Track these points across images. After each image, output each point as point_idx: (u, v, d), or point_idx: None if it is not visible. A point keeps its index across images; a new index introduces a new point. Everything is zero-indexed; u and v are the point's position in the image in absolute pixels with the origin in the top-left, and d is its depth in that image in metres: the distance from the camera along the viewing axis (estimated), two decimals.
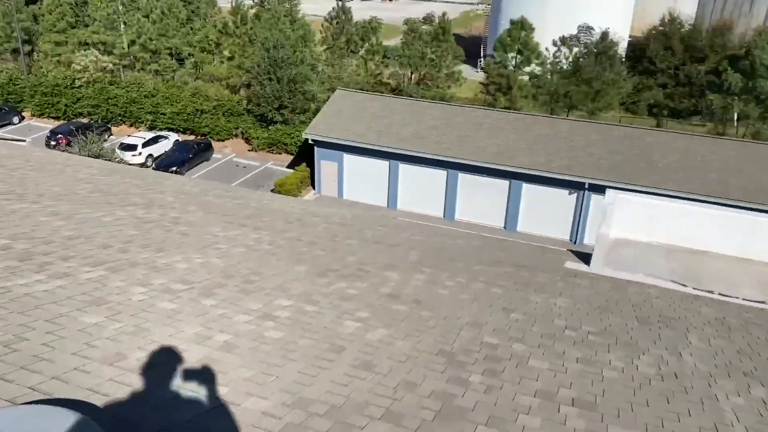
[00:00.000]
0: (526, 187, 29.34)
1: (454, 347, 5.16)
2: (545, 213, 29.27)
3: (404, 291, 6.67)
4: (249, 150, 38.48)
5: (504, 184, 29.78)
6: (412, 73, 41.58)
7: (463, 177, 30.42)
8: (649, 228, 10.48)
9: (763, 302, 8.87)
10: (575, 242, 28.62)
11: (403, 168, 31.32)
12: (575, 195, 28.54)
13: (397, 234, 10.31)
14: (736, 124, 40.14)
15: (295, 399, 3.78)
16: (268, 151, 37.99)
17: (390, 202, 31.89)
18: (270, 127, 37.87)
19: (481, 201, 30.34)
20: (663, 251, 10.23)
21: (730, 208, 10.40)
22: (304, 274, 6.63)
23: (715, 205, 10.82)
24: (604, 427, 4.02)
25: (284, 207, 10.95)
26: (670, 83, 43.45)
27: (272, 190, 31.70)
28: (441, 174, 30.84)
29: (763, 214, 10.56)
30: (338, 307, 5.69)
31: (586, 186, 27.70)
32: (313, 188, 33.34)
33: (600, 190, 27.15)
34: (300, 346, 4.63)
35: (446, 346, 5.16)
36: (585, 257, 10.49)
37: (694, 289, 9.14)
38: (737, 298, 8.95)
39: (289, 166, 36.20)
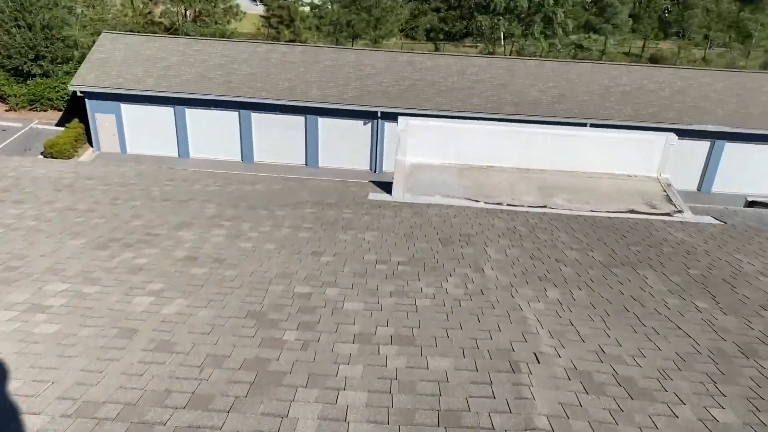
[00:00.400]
0: (322, 121, 29.21)
1: (265, 305, 4.80)
2: (344, 145, 29.52)
3: (202, 251, 6.09)
4: (6, 110, 33.36)
5: (299, 120, 29.33)
6: (186, 9, 38.60)
7: (256, 117, 29.37)
8: (440, 150, 10.84)
9: (544, 206, 9.69)
10: (375, 171, 29.40)
11: (191, 113, 29.36)
12: (369, 125, 29.08)
13: (189, 187, 9.49)
14: (503, 42, 43.46)
15: (77, 406, 3.18)
16: (30, 109, 33.27)
17: (181, 152, 29.91)
18: (28, 82, 33.05)
19: (278, 140, 29.66)
20: (455, 171, 10.68)
21: (508, 123, 11.11)
22: (80, 249, 5.74)
23: (496, 122, 11.46)
24: (423, 360, 3.98)
25: (51, 172, 9.50)
26: (443, 7, 45.49)
27: (43, 154, 27.97)
28: (233, 116, 29.46)
29: (535, 125, 11.44)
30: (125, 282, 5.00)
31: (379, 115, 28.31)
32: (91, 146, 30.03)
33: (392, 117, 27.97)
34: (81, 338, 3.95)
35: (255, 305, 4.77)
36: (386, 186, 10.60)
37: (485, 203, 9.68)
38: (522, 206, 9.67)
39: (58, 124, 32.06)
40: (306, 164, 29.79)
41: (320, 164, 29.70)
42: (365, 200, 9.33)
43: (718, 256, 7.10)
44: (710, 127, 26.81)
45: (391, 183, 10.34)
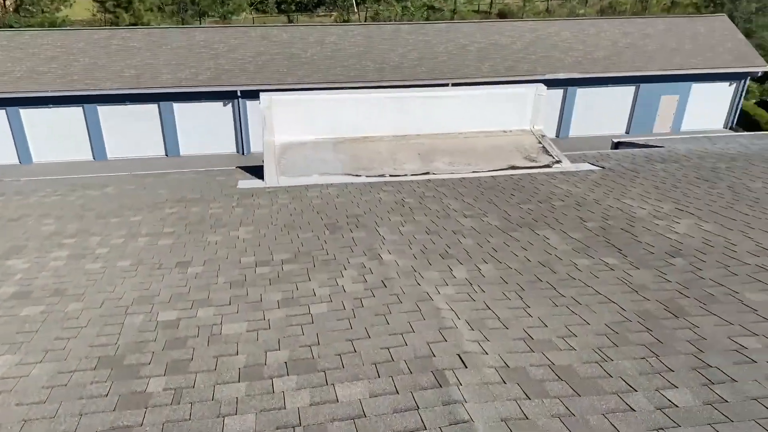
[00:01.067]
0: (178, 107, 27.08)
1: (120, 346, 3.78)
2: (205, 130, 27.60)
3: (37, 282, 4.87)
4: None
5: (152, 108, 26.99)
6: (5, 0, 34.18)
7: (103, 110, 26.65)
8: (311, 125, 9.95)
9: (426, 173, 9.15)
10: (243, 153, 27.84)
11: (26, 114, 26.09)
12: (230, 105, 27.36)
13: (22, 201, 7.95)
14: (357, 9, 42.66)
15: None
16: None
17: (21, 157, 26.60)
18: None
19: (132, 132, 27.16)
20: (330, 146, 9.86)
21: (378, 90, 10.42)
22: None
23: (366, 90, 10.72)
24: (330, 390, 3.19)
25: None
26: None
27: None
28: (76, 111, 26.54)
29: (406, 90, 10.84)
30: None
31: (239, 94, 26.68)
32: None
33: (253, 95, 26.45)
34: None
35: (108, 348, 3.74)
36: (257, 171, 9.58)
37: (367, 177, 8.98)
38: (405, 175, 9.07)
39: None
40: (166, 154, 27.60)
41: (182, 152, 27.64)
42: (235, 190, 8.29)
43: (609, 204, 6.88)
44: (561, 76, 27.82)
45: (262, 167, 9.34)
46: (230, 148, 28.01)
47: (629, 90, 29.55)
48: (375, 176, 9.00)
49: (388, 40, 29.51)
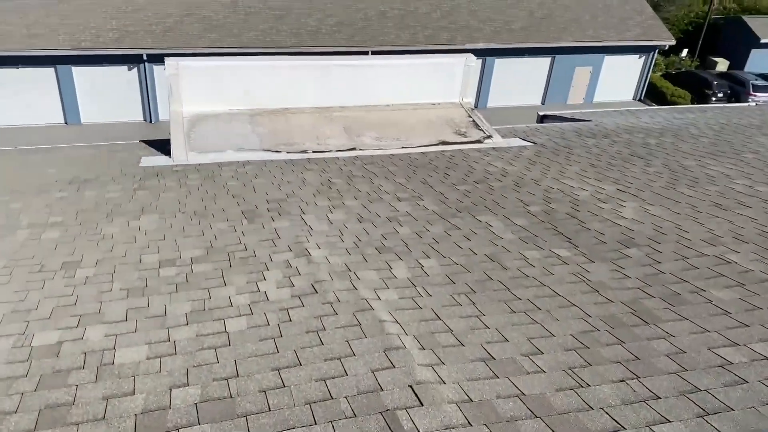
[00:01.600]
0: (77, 71, 24.76)
1: None
2: (109, 96, 25.45)
3: None
4: None
5: (48, 72, 24.54)
6: None
7: None
8: (224, 95, 8.95)
9: (353, 148, 8.43)
10: (151, 121, 25.95)
11: None
12: (135, 70, 25.32)
13: None
14: None
15: None
16: None
17: None
18: None
19: (25, 98, 24.66)
20: (246, 118, 8.91)
21: (298, 57, 9.52)
22: None
23: (285, 56, 9.81)
24: None
25: None
26: None
27: None
28: None
29: (328, 57, 10.00)
30: None
31: (145, 58, 24.68)
32: None
33: (160, 60, 24.54)
34: None
35: None
36: (163, 145, 8.53)
37: (288, 153, 8.15)
38: (330, 151, 8.32)
39: None
40: (65, 122, 25.31)
41: (83, 120, 25.42)
42: (137, 169, 7.27)
43: (549, 185, 6.44)
44: (481, 46, 27.55)
45: (169, 140, 8.31)
46: (137, 116, 26.03)
47: (545, 61, 29.74)
48: (297, 152, 8.19)
49: (306, 3, 28.12)
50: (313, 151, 8.26)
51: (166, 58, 8.57)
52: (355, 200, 5.99)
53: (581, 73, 30.39)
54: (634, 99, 31.96)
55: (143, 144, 8.82)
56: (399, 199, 6.02)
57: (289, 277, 4.10)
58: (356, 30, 26.99)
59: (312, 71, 9.32)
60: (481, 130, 9.27)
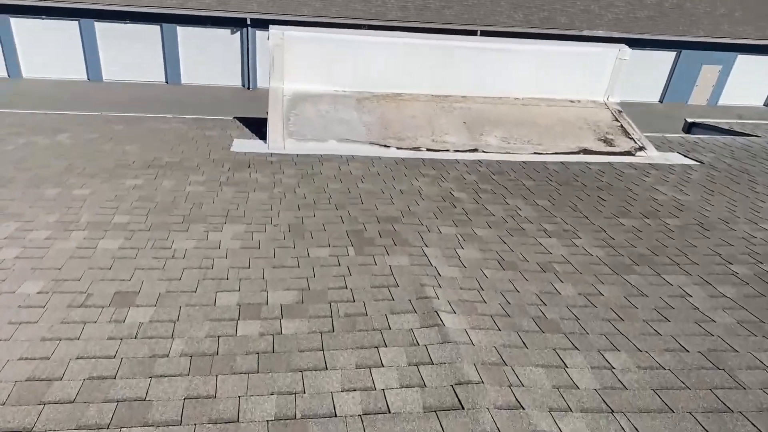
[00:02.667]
0: (182, 30, 24.43)
1: None
2: (210, 59, 25.04)
3: None
4: None
5: (154, 29, 24.34)
6: None
7: (101, 27, 24.01)
8: (330, 73, 7.69)
9: (474, 149, 6.99)
10: (249, 87, 25.35)
11: (17, 23, 23.46)
12: (238, 33, 24.69)
13: None
14: None
15: None
16: None
17: (10, 71, 24.09)
18: None
19: (132, 53, 24.60)
20: (352, 102, 7.63)
21: (416, 35, 8.12)
22: None
23: (398, 32, 8.41)
24: None
25: None
26: None
27: None
28: (72, 26, 23.91)
29: (451, 37, 8.51)
30: None
31: (248, 22, 23.98)
32: None
33: (263, 25, 23.77)
34: None
35: None
36: (259, 126, 7.40)
37: (398, 149, 6.82)
38: (447, 150, 6.91)
39: None
40: (166, 81, 25.12)
41: (183, 81, 25.15)
42: (227, 154, 6.15)
43: (748, 232, 4.78)
44: (601, 33, 25.09)
45: (265, 120, 7.16)
46: (235, 80, 25.51)
47: (669, 55, 26.87)
48: (409, 149, 6.84)
49: None
50: (428, 149, 6.88)
51: (270, 27, 7.38)
52: (488, 228, 4.58)
53: (708, 72, 27.28)
54: (765, 105, 28.49)
55: (237, 122, 7.72)
56: (547, 233, 4.56)
57: (416, 367, 2.77)
58: (466, 7, 25.18)
59: (432, 52, 7.87)
60: (632, 138, 7.57)
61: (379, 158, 6.39)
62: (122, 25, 24.01)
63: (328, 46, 7.66)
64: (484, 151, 6.96)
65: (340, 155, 6.36)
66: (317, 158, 6.21)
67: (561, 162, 6.73)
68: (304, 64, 7.60)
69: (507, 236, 4.46)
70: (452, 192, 5.43)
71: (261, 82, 25.08)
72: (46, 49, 24.09)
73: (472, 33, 24.36)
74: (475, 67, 7.93)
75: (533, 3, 25.92)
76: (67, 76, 24.43)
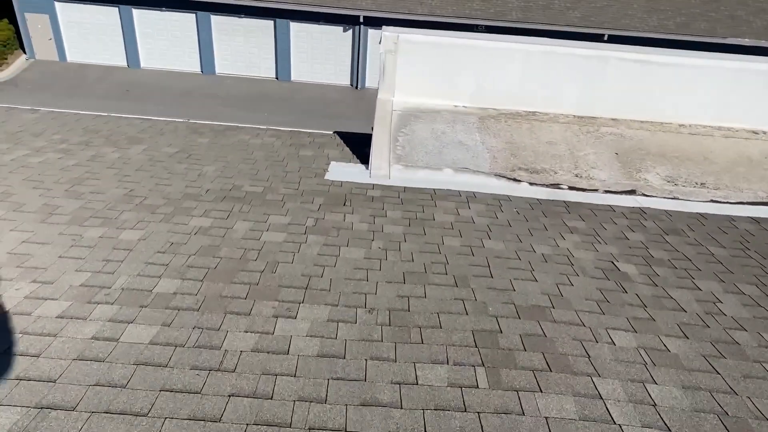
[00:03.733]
0: (294, 26, 23.88)
1: None
2: (321, 55, 24.36)
3: None
4: None
5: (268, 24, 23.96)
6: None
7: (217, 20, 23.94)
8: (450, 84, 6.30)
9: (631, 191, 5.36)
10: (357, 87, 24.43)
11: (139, 14, 23.84)
12: (350, 31, 23.81)
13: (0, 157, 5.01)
14: None
15: None
16: None
17: (130, 61, 24.59)
18: None
19: (244, 48, 24.39)
20: (474, 121, 6.20)
21: (557, 42, 6.57)
22: None
23: (533, 38, 6.89)
24: None
25: None
26: None
27: None
28: (189, 18, 24.00)
29: (606, 45, 6.86)
30: None
31: (361, 20, 23.01)
32: (24, 51, 24.56)
33: (376, 23, 22.73)
34: None
35: None
36: (361, 144, 6.15)
37: (531, 184, 5.32)
38: (595, 190, 5.33)
39: None
40: (277, 77, 24.70)
41: (293, 77, 24.63)
42: (320, 183, 4.92)
43: None
44: (747, 42, 21.97)
45: (369, 138, 5.89)
46: (344, 79, 24.67)
47: None
48: (545, 185, 5.32)
49: None
50: (570, 187, 5.33)
51: (384, 28, 6.10)
52: (683, 339, 3.02)
53: None
54: None
55: (337, 138, 6.51)
56: (761, 344, 2.94)
57: None
58: (594, 9, 22.87)
59: (576, 62, 6.28)
60: None
61: (508, 198, 4.92)
62: (237, 18, 23.80)
63: (449, 52, 6.27)
64: (644, 194, 5.31)
65: (458, 192, 4.96)
66: (429, 194, 4.84)
67: (752, 218, 4.96)
68: (419, 73, 6.26)
69: (716, 355, 2.89)
70: (615, 262, 3.88)
71: (369, 82, 24.08)
72: (164, 40, 24.34)
73: (599, 37, 22.08)
74: (631, 83, 6.25)
75: (670, 5, 23.16)
76: (181, 68, 24.59)
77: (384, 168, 5.38)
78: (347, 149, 6.09)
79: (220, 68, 24.65)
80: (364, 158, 5.72)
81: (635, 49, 6.24)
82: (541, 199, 5.00)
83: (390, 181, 5.17)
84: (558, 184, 5.39)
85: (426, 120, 6.17)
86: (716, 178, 5.60)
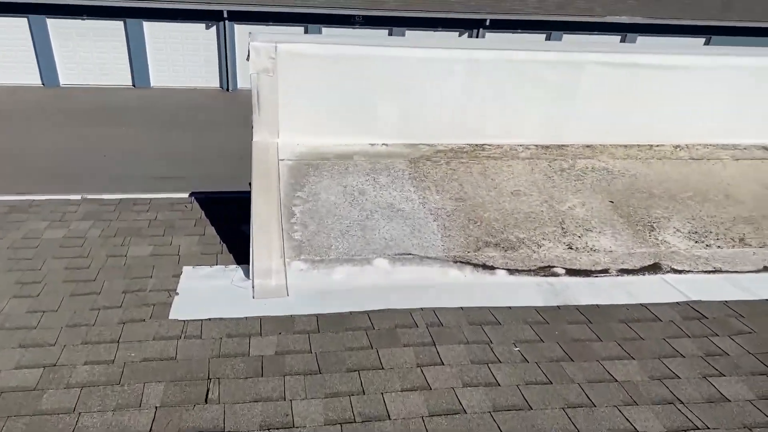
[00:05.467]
0: (149, 26, 20.46)
1: None
2: (183, 57, 21.12)
3: None
4: None
5: (117, 25, 20.34)
6: None
7: (54, 23, 19.99)
8: (360, 112, 4.13)
9: (654, 266, 3.49)
10: (228, 89, 21.47)
11: None
12: (214, 28, 20.78)
13: None
14: None
15: None
16: None
17: None
18: None
19: (92, 53, 20.61)
20: (403, 165, 4.07)
21: (522, 43, 4.61)
22: None
23: (496, 42, 4.84)
24: None
25: None
26: None
27: None
28: (20, 23, 19.85)
29: (570, 44, 4.97)
30: None
31: (225, 15, 20.06)
32: None
33: (243, 17, 19.93)
34: None
35: None
36: (236, 216, 3.82)
37: (509, 271, 3.30)
38: (608, 272, 3.41)
39: None
40: (134, 84, 21.17)
41: (153, 83, 21.22)
42: (158, 332, 2.57)
43: None
44: (625, 20, 21.56)
45: (247, 200, 3.55)
46: (213, 81, 21.63)
47: None
48: (532, 271, 3.32)
49: None
50: (566, 270, 3.36)
51: (251, 36, 3.76)
52: None
53: None
54: None
55: (197, 207, 4.10)
56: None
57: None
58: None
59: (538, 71, 4.29)
60: None
61: (486, 309, 2.86)
62: (80, 21, 19.99)
63: (357, 67, 4.06)
64: (673, 268, 3.45)
65: (408, 312, 2.83)
66: (363, 329, 2.67)
67: None
68: (314, 101, 4.02)
69: None
70: None
71: (241, 83, 21.24)
72: None
73: (481, 23, 20.76)
74: (612, 95, 4.38)
75: None
76: (17, 81, 20.38)
77: (275, 273, 3.12)
78: (211, 229, 3.74)
79: (64, 79, 20.70)
80: (240, 245, 3.43)
81: (618, 49, 4.35)
82: (540, 307, 2.98)
83: (288, 304, 2.93)
84: (549, 267, 3.40)
85: (332, 172, 3.94)
86: (755, 228, 3.85)
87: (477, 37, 21.14)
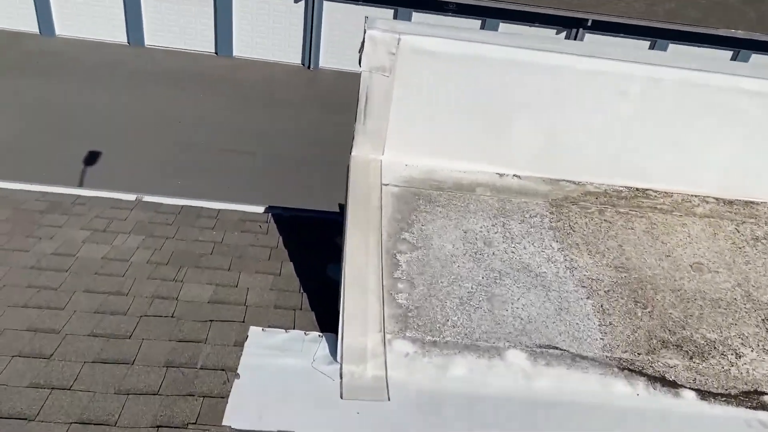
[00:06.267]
0: None
1: None
2: (267, 29, 20.51)
3: None
4: None
5: None
6: None
7: None
8: (491, 133, 3.14)
9: None
10: (309, 67, 20.76)
11: None
12: (302, 3, 20.03)
13: None
14: None
15: None
16: None
17: (42, 26, 20.11)
18: None
19: (180, 16, 20.29)
20: (540, 210, 3.07)
21: (716, 64, 3.53)
22: None
23: (680, 60, 3.71)
24: None
25: None
26: None
27: None
28: None
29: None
30: None
31: None
32: None
33: None
34: None
35: None
36: (321, 247, 2.92)
37: (702, 398, 2.25)
38: None
39: None
40: (216, 52, 20.74)
41: (235, 53, 20.73)
42: (209, 420, 1.68)
43: None
44: (740, 34, 19.45)
45: (335, 223, 2.64)
46: (295, 57, 20.92)
47: None
48: (735, 399, 2.25)
49: None
50: None
51: (366, 22, 2.81)
52: None
53: None
54: None
55: (271, 223, 3.22)
56: None
57: None
58: None
59: (732, 102, 3.17)
60: None
61: None
62: None
63: (496, 74, 3.04)
64: None
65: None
66: None
67: None
68: (434, 113, 3.04)
69: None
70: None
71: (324, 62, 20.48)
72: (81, 3, 19.98)
73: (582, 22, 19.16)
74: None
75: None
76: (105, 38, 20.31)
77: (372, 358, 2.20)
78: (289, 267, 2.85)
79: (149, 39, 20.49)
80: (326, 298, 2.52)
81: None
82: None
83: (387, 415, 2.00)
84: (758, 393, 2.33)
85: (449, 209, 2.97)
86: None
87: (575, 38, 19.56)
